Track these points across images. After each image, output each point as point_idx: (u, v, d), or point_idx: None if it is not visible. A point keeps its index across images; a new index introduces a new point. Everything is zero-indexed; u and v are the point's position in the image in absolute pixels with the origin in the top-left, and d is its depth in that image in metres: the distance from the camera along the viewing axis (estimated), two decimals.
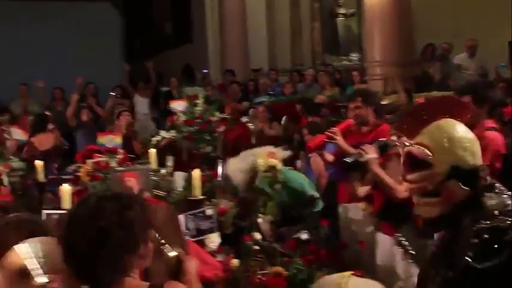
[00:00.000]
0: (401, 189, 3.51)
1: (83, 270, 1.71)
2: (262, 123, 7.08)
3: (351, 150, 4.09)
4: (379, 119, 4.48)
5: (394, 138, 3.61)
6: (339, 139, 4.13)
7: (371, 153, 3.76)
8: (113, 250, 1.68)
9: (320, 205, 4.84)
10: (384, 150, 3.97)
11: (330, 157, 4.46)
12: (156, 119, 9.63)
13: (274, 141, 6.14)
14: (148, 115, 9.99)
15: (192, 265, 2.05)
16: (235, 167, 4.57)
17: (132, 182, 4.45)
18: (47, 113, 7.75)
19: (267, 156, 4.85)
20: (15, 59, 13.62)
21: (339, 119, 5.61)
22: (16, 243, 1.90)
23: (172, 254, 2.04)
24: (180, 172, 5.20)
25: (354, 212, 4.26)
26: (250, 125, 7.10)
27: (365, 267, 3.48)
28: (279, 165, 4.76)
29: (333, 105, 7.28)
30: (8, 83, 10.66)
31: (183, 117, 5.33)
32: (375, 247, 3.94)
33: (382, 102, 6.63)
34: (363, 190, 3.89)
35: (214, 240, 3.88)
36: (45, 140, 6.98)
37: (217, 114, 5.57)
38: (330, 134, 4.11)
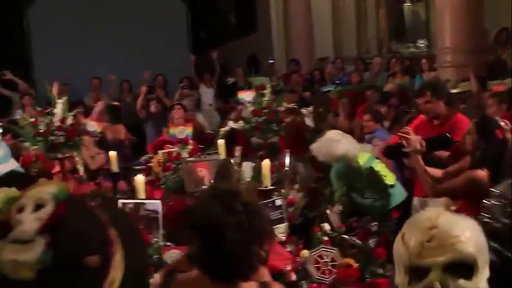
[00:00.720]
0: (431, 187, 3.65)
1: (220, 270, 1.66)
2: (343, 115, 7.01)
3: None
4: (451, 110, 4.35)
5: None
6: (413, 138, 4.01)
7: (415, 145, 3.70)
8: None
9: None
10: (446, 143, 3.91)
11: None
12: (221, 110, 9.72)
13: None
14: (213, 106, 10.11)
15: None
16: None
17: (204, 173, 4.55)
18: (115, 103, 8.01)
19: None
20: (85, 52, 14.12)
21: (410, 109, 5.47)
22: None
23: None
24: (248, 162, 5.26)
25: (433, 206, 4.16)
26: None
27: None
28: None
29: (404, 94, 7.10)
30: (81, 76, 11.06)
31: (250, 108, 5.37)
32: None
33: (454, 91, 6.44)
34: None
35: (283, 230, 3.92)
36: (116, 131, 7.27)
37: (285, 104, 5.58)
38: (403, 134, 3.97)
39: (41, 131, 5.00)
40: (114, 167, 5.06)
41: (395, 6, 13.25)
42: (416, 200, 4.48)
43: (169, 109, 7.32)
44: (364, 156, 4.76)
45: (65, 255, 1.02)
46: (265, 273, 1.95)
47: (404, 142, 3.80)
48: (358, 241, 3.69)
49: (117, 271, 1.11)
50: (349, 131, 6.78)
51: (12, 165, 2.48)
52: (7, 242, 1.02)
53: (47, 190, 1.06)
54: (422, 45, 12.81)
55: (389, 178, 4.60)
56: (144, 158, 5.58)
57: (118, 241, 1.16)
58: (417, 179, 4.39)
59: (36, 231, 1.02)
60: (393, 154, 4.10)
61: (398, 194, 4.55)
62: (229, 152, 5.28)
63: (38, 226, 1.02)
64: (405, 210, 4.44)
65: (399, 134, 4.00)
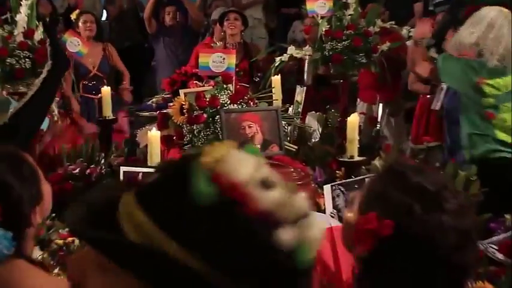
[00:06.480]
0: None
1: None
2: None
3: None
4: None
5: None
6: None
7: None
8: None
9: None
10: None
11: None
12: (268, 26, 7.49)
13: None
14: (262, 20, 7.89)
15: None
16: None
17: (254, 129, 2.95)
18: None
19: None
20: None
21: None
22: None
23: None
24: (312, 112, 3.71)
25: None
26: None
27: None
28: None
29: None
30: None
31: (324, 26, 3.43)
32: None
33: None
34: None
35: None
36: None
37: (379, 23, 3.56)
38: None
39: None
40: (107, 112, 3.25)
41: None
42: None
43: (212, 22, 5.75)
44: None
45: None
46: None
47: None
48: (499, 254, 2.35)
49: None
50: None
51: None
52: None
53: None
54: None
55: None
56: (154, 99, 3.64)
57: None
58: None
59: None
60: None
61: None
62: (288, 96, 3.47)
63: None
64: None
65: None
